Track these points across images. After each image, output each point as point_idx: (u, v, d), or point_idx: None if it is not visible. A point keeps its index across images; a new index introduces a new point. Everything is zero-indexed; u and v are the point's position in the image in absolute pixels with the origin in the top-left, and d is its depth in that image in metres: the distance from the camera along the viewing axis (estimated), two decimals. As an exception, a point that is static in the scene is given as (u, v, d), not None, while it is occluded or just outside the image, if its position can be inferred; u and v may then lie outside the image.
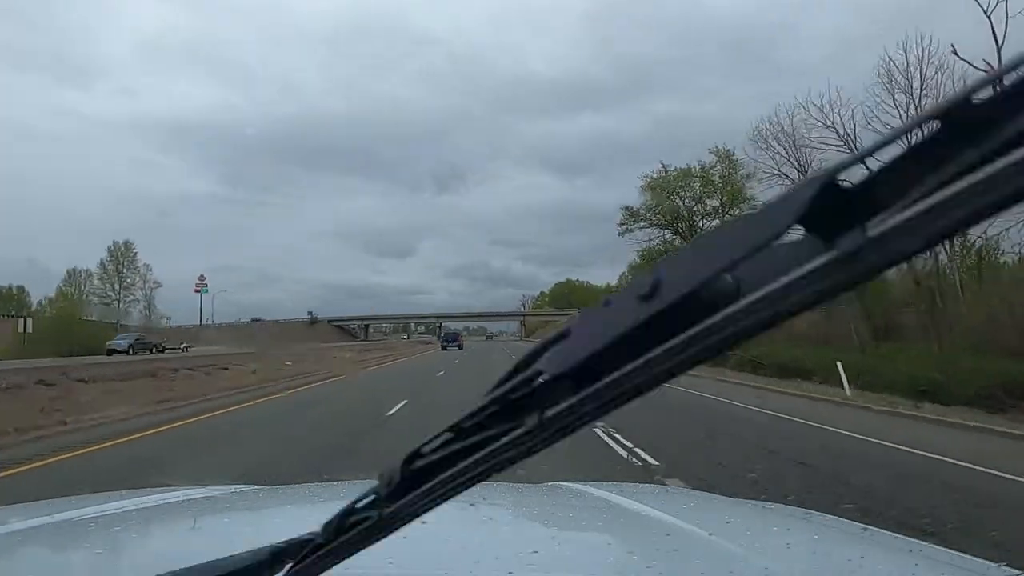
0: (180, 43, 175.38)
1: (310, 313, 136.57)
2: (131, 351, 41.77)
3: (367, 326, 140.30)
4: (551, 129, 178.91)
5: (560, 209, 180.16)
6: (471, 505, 1.63)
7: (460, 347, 63.59)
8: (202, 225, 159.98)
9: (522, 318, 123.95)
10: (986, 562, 1.19)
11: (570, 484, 1.95)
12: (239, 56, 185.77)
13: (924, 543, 1.37)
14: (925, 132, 0.27)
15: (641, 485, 2.76)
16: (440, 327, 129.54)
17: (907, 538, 1.44)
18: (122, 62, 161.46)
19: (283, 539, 1.17)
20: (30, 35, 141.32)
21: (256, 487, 2.05)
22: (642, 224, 47.31)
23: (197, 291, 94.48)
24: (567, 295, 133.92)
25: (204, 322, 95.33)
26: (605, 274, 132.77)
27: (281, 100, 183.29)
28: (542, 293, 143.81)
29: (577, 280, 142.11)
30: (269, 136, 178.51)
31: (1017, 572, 1.10)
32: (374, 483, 2.54)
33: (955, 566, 1.18)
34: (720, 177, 44.04)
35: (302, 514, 1.59)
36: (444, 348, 62.54)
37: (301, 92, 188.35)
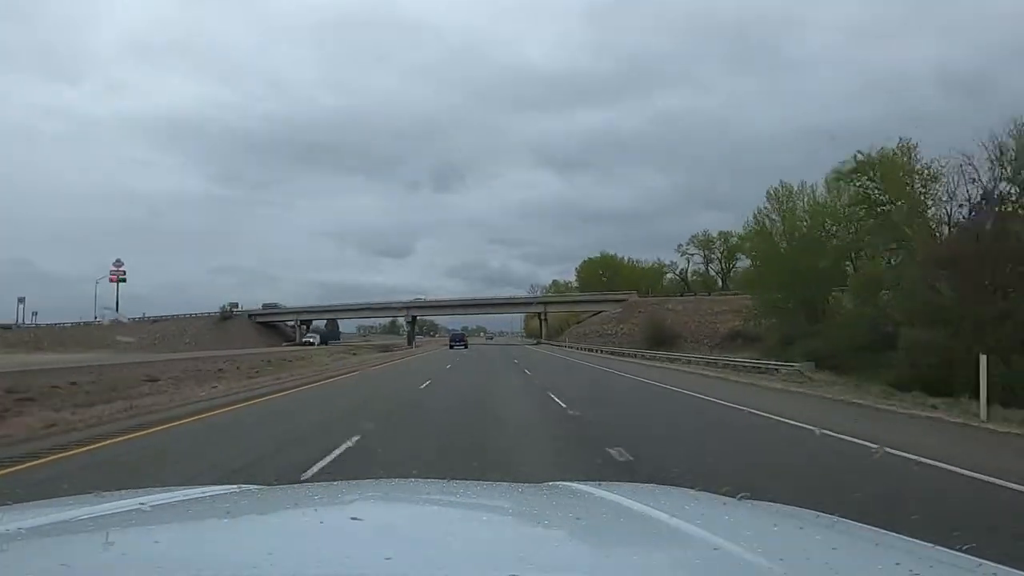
0: (168, 38, 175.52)
1: (227, 306, 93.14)
2: None
3: (308, 323, 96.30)
4: (550, 125, 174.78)
5: (559, 207, 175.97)
6: (472, 505, 1.68)
7: (466, 346, 62.06)
8: (194, 224, 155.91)
9: (541, 310, 79.12)
10: (986, 562, 1.21)
11: (570, 484, 1.96)
12: (232, 51, 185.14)
13: (927, 544, 1.36)
14: None
15: (641, 485, 2.55)
16: (414, 321, 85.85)
17: (910, 538, 1.43)
18: (112, 58, 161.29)
19: (281, 539, 1.31)
20: (19, 31, 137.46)
21: (256, 487, 2.02)
22: None
23: (113, 280, 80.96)
24: (603, 275, 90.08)
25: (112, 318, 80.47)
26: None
27: (274, 97, 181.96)
28: (555, 282, 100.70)
29: (615, 255, 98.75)
30: (263, 134, 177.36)
31: (1018, 572, 1.14)
32: (371, 482, 2.22)
33: (957, 567, 1.21)
34: None
35: (301, 514, 1.60)
36: (451, 347, 60.21)
37: (294, 89, 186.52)
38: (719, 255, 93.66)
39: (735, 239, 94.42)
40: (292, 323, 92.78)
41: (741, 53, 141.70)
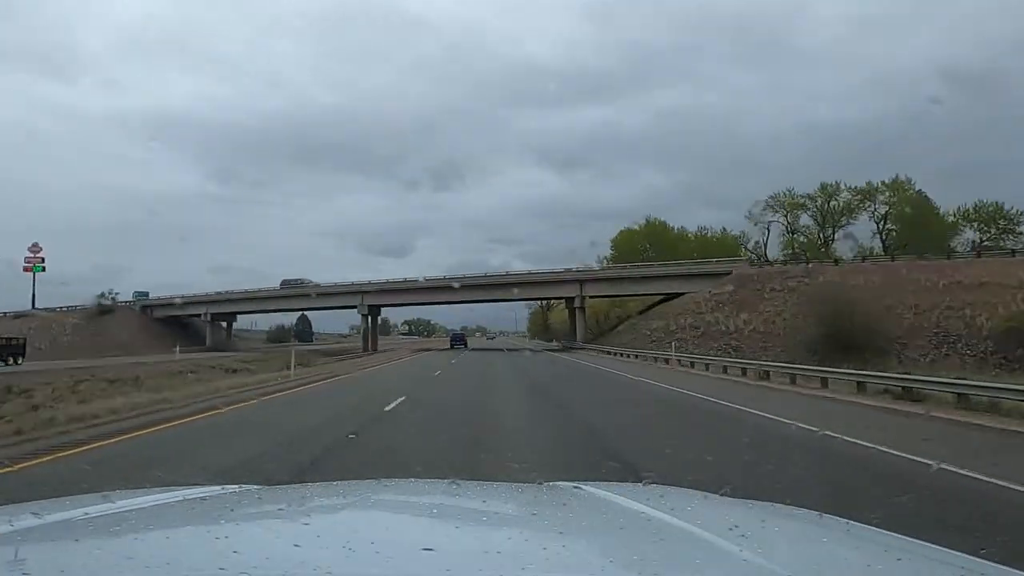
0: (165, 35, 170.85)
1: (107, 294, 65.36)
2: None
3: (229, 317, 67.68)
4: (550, 123, 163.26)
5: (559, 205, 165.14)
6: (473, 506, 1.67)
7: (465, 345, 62.14)
8: (189, 222, 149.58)
9: (576, 293, 49.50)
10: (987, 562, 1.22)
11: (570, 484, 1.94)
12: (227, 48, 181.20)
13: (928, 544, 1.35)
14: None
15: (640, 485, 2.38)
16: (373, 315, 57.50)
17: (910, 539, 1.41)
18: (106, 55, 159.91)
19: (282, 539, 1.30)
20: (8, 28, 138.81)
21: (256, 487, 2.01)
22: None
23: (28, 269, 66.85)
24: (649, 250, 62.36)
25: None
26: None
27: (272, 95, 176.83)
28: (568, 271, 72.27)
29: (665, 223, 71.28)
30: (260, 132, 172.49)
31: (1018, 573, 1.14)
32: (372, 482, 2.24)
33: (957, 567, 1.21)
34: None
35: (301, 514, 1.60)
36: (452, 347, 58.52)
37: (292, 86, 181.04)
38: (819, 217, 65.98)
39: (845, 193, 67.58)
40: (202, 315, 64.08)
41: (743, 49, 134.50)
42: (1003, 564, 1.22)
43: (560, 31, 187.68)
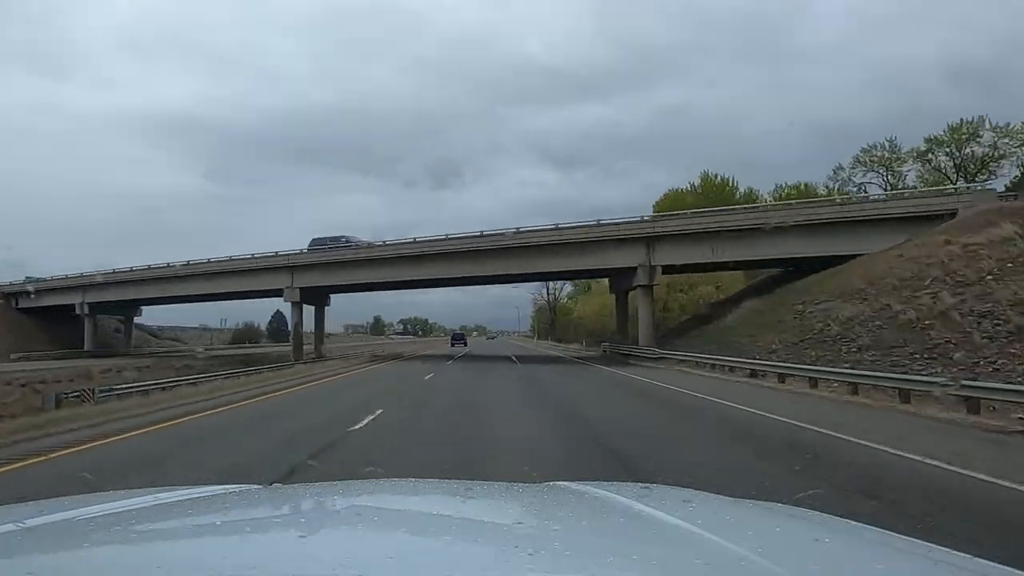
0: (159, 31, 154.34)
1: None
2: None
3: (124, 315, 48.72)
4: (550, 121, 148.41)
5: (560, 204, 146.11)
6: (473, 505, 1.67)
7: (465, 344, 64.95)
8: (187, 222, 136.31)
9: (643, 261, 29.45)
10: (988, 562, 1.22)
11: (570, 484, 1.94)
12: (224, 46, 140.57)
13: (929, 544, 1.35)
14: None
15: (640, 486, 2.32)
16: (313, 298, 38.27)
17: (911, 539, 1.42)
18: (101, 52, 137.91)
19: (282, 539, 1.31)
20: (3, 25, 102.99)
21: (256, 487, 2.02)
22: None
23: None
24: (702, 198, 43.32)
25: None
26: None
27: (269, 92, 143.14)
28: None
29: (726, 178, 53.33)
30: (258, 131, 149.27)
31: (1018, 573, 1.14)
32: (371, 482, 2.30)
33: (958, 567, 1.21)
34: None
35: (301, 514, 1.61)
36: (452, 345, 62.70)
37: (289, 84, 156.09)
38: (948, 168, 47.53)
39: (988, 134, 48.56)
40: (78, 305, 45.13)
41: (745, 47, 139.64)
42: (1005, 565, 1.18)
43: (561, 29, 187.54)
